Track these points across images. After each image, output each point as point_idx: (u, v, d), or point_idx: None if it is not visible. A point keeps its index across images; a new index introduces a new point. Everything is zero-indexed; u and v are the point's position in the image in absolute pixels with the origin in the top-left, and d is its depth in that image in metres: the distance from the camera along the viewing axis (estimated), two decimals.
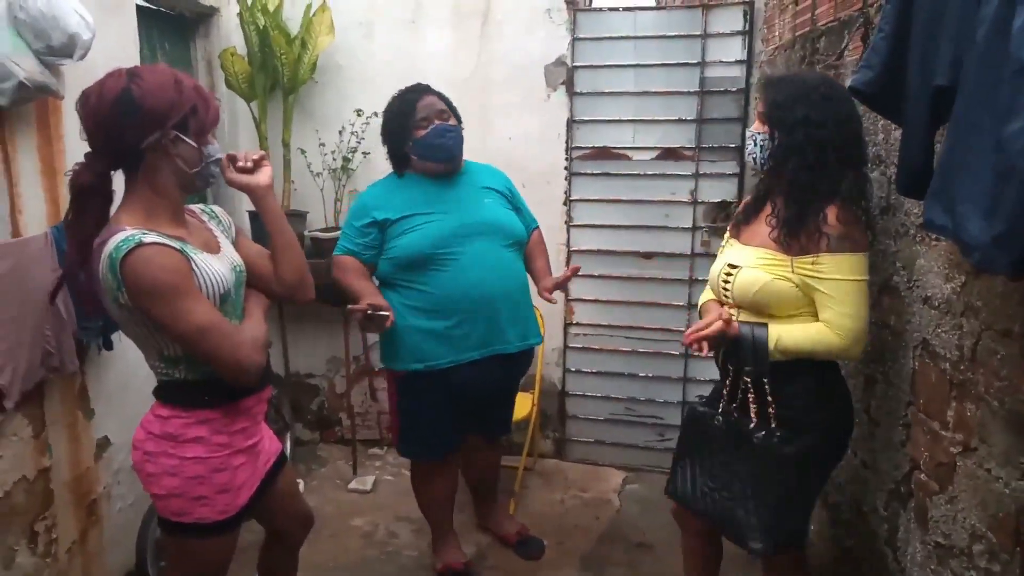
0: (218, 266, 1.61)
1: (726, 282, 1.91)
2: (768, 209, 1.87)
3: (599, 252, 3.45)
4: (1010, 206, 0.96)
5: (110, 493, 2.50)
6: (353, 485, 3.39)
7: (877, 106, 1.57)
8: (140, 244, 1.45)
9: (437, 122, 2.41)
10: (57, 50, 1.91)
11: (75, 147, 2.26)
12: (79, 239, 1.51)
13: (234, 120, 3.47)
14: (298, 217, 3.40)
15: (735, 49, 3.21)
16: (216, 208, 1.82)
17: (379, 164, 3.44)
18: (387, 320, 2.28)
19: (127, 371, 2.56)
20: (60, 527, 2.24)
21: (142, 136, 1.50)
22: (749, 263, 1.85)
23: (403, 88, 2.54)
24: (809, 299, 1.79)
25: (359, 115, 3.35)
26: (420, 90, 2.48)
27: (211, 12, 3.30)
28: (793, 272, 1.78)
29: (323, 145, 3.43)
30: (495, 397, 2.64)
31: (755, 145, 1.86)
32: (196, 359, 1.59)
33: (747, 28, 3.18)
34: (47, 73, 1.93)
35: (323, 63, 3.38)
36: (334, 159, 3.42)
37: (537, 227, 2.77)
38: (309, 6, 3.27)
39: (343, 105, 3.43)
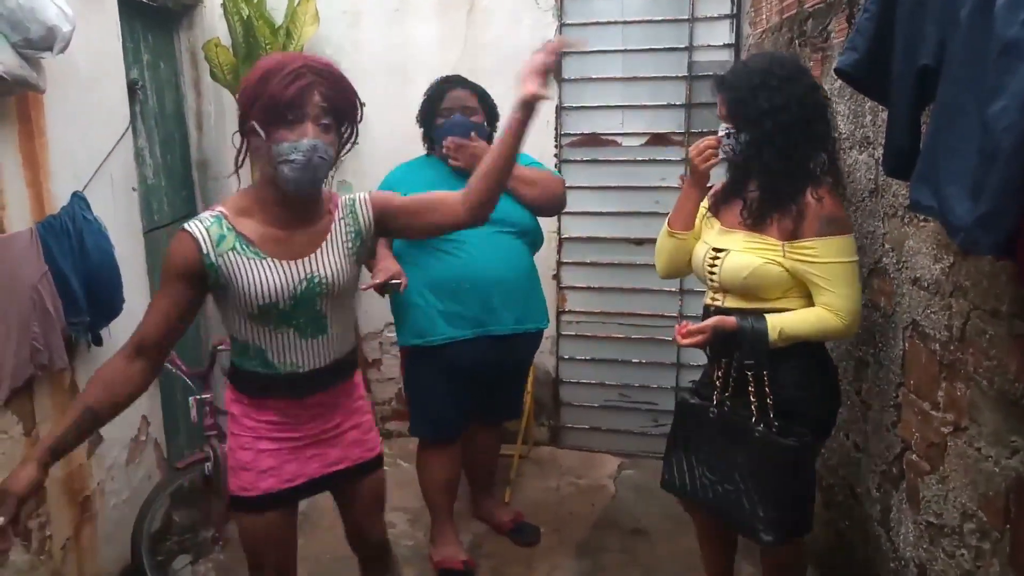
0: (271, 276, 1.55)
1: (712, 266, 1.91)
2: (744, 190, 1.88)
3: (590, 239, 3.45)
4: (994, 186, 0.96)
5: (103, 489, 2.50)
6: None
7: (863, 87, 1.57)
8: (182, 228, 1.53)
9: (458, 115, 2.50)
10: (36, 43, 1.88)
11: (60, 141, 2.24)
12: None
13: (220, 112, 3.43)
14: None
15: (723, 33, 3.20)
16: (361, 201, 1.68)
17: (368, 154, 3.44)
18: (399, 286, 2.32)
19: None
20: (54, 524, 2.23)
21: (241, 127, 1.54)
22: (737, 247, 1.85)
23: (443, 76, 2.64)
24: (797, 282, 1.80)
25: None
26: (455, 81, 2.59)
27: (194, 3, 3.26)
28: (784, 256, 1.79)
29: None
30: (496, 379, 2.65)
31: (730, 140, 1.86)
32: (236, 339, 1.64)
33: (734, 11, 3.17)
34: (26, 67, 1.91)
35: (308, 53, 3.35)
36: None
37: None
38: None
39: None
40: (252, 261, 1.54)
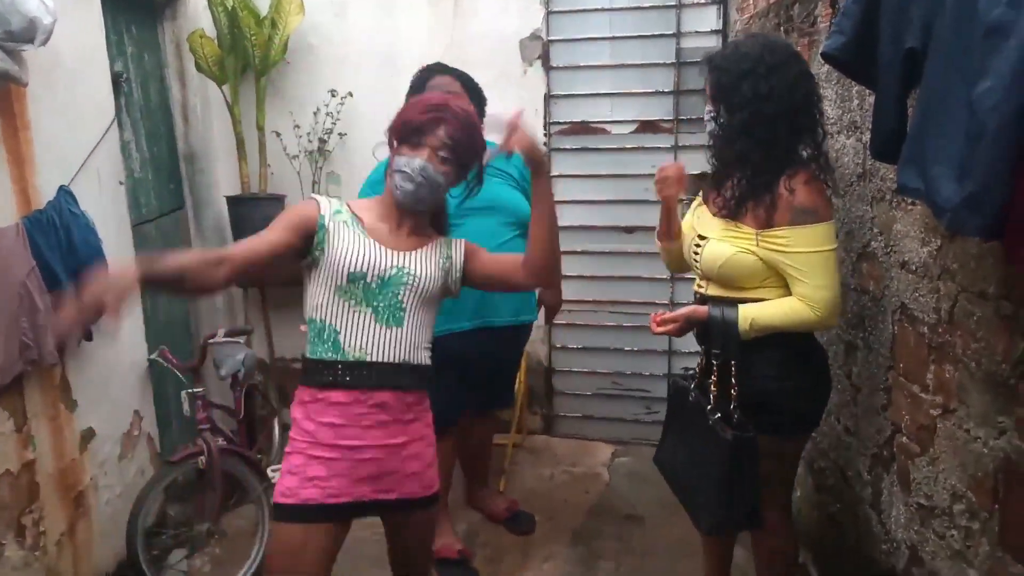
0: (368, 251, 1.68)
1: (696, 254, 1.91)
2: (727, 179, 1.85)
3: (581, 228, 3.45)
4: (981, 167, 0.96)
5: (97, 484, 2.49)
6: None
7: (849, 71, 1.57)
8: (311, 198, 1.74)
9: None
10: (17, 35, 1.87)
11: (45, 135, 2.22)
12: None
13: (206, 104, 3.41)
14: (275, 201, 3.36)
15: (710, 19, 3.19)
16: (456, 242, 1.82)
17: (356, 145, 3.42)
18: None
19: (110, 361, 2.54)
20: (48, 520, 2.23)
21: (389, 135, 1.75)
22: (715, 235, 1.83)
23: (425, 64, 2.60)
24: (774, 271, 1.76)
25: (334, 95, 3.31)
26: (435, 69, 2.55)
27: None
28: (758, 246, 1.75)
29: (298, 127, 3.39)
30: (490, 369, 2.65)
31: (715, 124, 1.84)
32: (315, 328, 1.69)
33: None
34: (8, 60, 1.89)
35: (295, 44, 3.33)
36: (310, 141, 3.38)
37: None
38: None
39: (317, 86, 3.39)
40: (357, 234, 1.70)
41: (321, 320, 1.69)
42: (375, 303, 1.68)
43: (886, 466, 1.87)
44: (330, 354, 1.67)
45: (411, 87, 2.56)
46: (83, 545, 2.41)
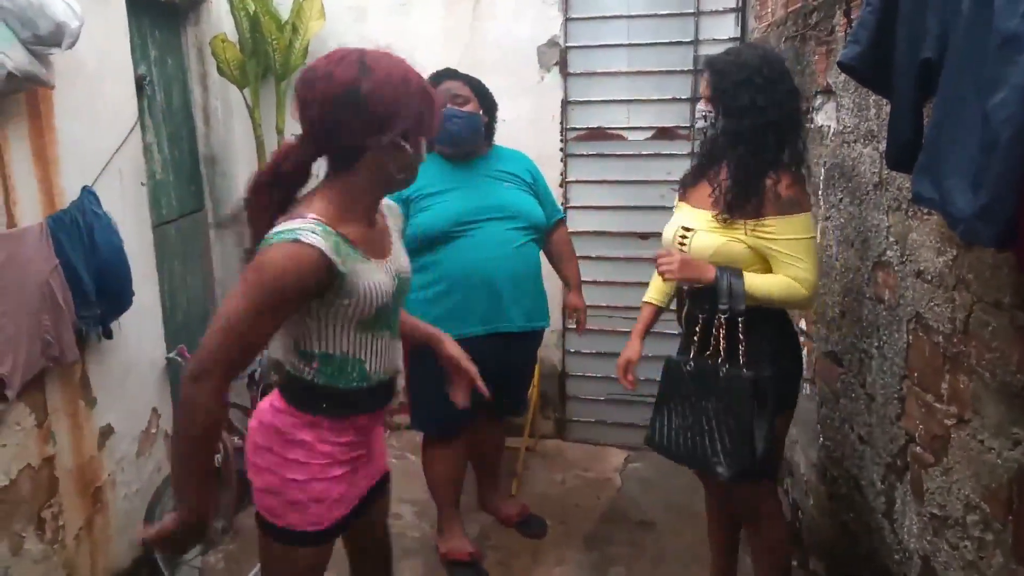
0: (380, 276, 1.51)
1: (682, 245, 2.00)
2: (712, 174, 1.98)
3: (596, 233, 3.46)
4: (994, 177, 0.96)
5: (115, 480, 2.53)
6: None
7: (865, 80, 1.57)
8: (297, 241, 1.36)
9: (449, 106, 2.47)
10: (45, 39, 1.90)
11: (69, 137, 2.26)
12: (262, 217, 1.47)
13: (227, 108, 3.46)
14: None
15: (728, 26, 3.20)
16: (390, 202, 1.70)
17: None
18: None
19: (129, 360, 2.58)
20: (66, 514, 2.27)
21: (365, 136, 1.42)
22: (702, 226, 1.96)
23: (435, 71, 2.59)
24: (760, 258, 1.93)
25: None
26: (444, 74, 2.57)
27: None
28: (747, 235, 1.91)
29: None
30: (502, 376, 2.66)
31: (706, 122, 1.99)
32: (333, 361, 1.52)
33: (740, 5, 3.17)
34: (36, 63, 1.93)
35: (315, 48, 3.36)
36: None
37: (562, 218, 2.83)
38: None
39: None
40: (363, 264, 1.48)
41: (343, 354, 1.54)
42: (390, 322, 1.62)
43: (899, 475, 1.86)
44: (355, 383, 1.57)
45: None
46: (100, 540, 2.45)
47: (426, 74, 2.60)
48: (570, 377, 3.66)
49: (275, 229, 1.40)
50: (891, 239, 1.88)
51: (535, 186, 2.66)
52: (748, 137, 1.89)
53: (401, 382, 1.73)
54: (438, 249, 2.46)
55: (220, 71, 3.22)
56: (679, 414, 2.02)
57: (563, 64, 3.36)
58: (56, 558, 2.22)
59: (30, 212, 2.10)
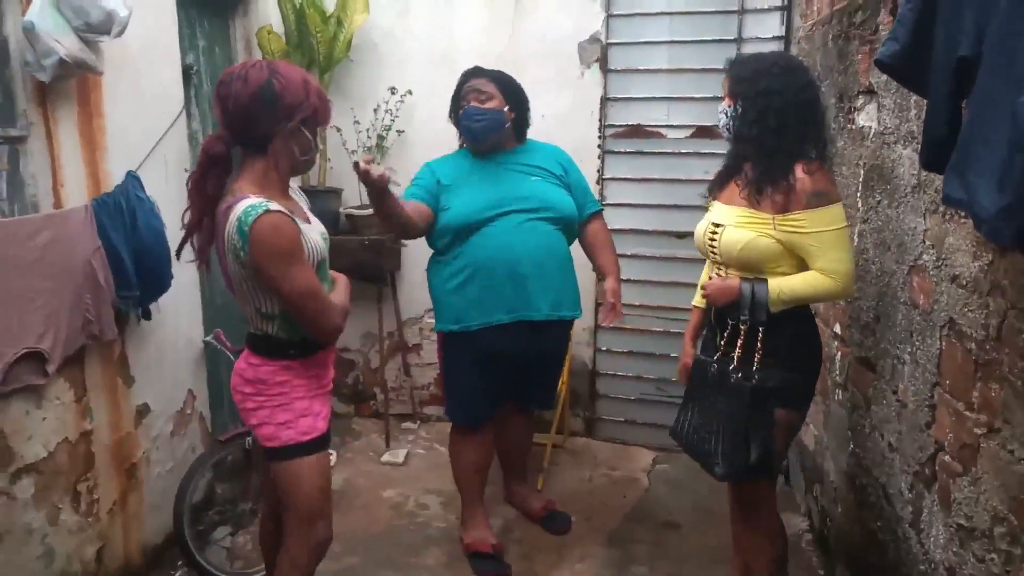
0: (314, 235, 1.83)
1: (712, 241, 2.03)
2: (741, 170, 2.02)
3: (632, 231, 3.44)
4: (1019, 176, 0.93)
5: (149, 458, 2.60)
6: (386, 458, 3.46)
7: (902, 78, 1.53)
8: (267, 211, 1.67)
9: (472, 103, 2.51)
10: (95, 27, 1.97)
11: (116, 123, 2.33)
12: (203, 197, 1.76)
13: None
14: (333, 194, 3.45)
15: (773, 25, 3.15)
16: (296, 187, 2.00)
17: (413, 142, 3.49)
18: (382, 177, 2.22)
19: (166, 341, 2.65)
20: (101, 488, 2.34)
21: (275, 124, 1.73)
22: (731, 222, 1.98)
23: (464, 71, 2.65)
24: (789, 253, 1.94)
25: (393, 93, 3.38)
26: (471, 72, 2.61)
27: None
28: (775, 229, 1.92)
29: (358, 123, 3.47)
30: (529, 365, 2.68)
31: (728, 118, 2.03)
32: (290, 319, 1.81)
33: (786, 3, 3.12)
34: (86, 50, 1.99)
35: (358, 41, 3.41)
36: (369, 137, 3.46)
37: (598, 211, 2.78)
38: None
39: (378, 83, 3.47)
40: (303, 226, 1.79)
41: None
42: (327, 275, 1.93)
43: (927, 485, 1.82)
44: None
45: (454, 93, 2.62)
46: (134, 516, 2.52)
47: (468, 66, 2.64)
48: (601, 375, 3.65)
49: (237, 211, 1.67)
50: (927, 243, 1.84)
51: (567, 178, 2.66)
52: (768, 119, 1.92)
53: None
54: (463, 240, 2.50)
55: None
56: (698, 412, 2.08)
57: (604, 60, 3.35)
58: (91, 530, 2.30)
59: (76, 194, 2.18)
